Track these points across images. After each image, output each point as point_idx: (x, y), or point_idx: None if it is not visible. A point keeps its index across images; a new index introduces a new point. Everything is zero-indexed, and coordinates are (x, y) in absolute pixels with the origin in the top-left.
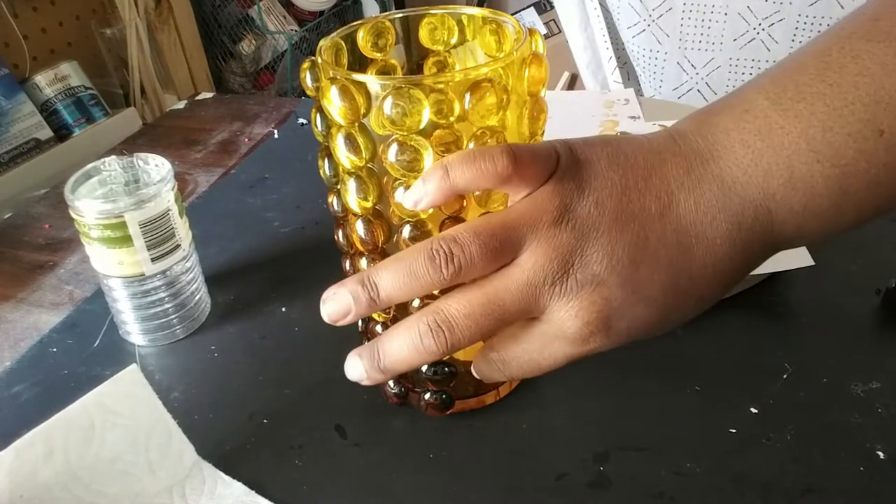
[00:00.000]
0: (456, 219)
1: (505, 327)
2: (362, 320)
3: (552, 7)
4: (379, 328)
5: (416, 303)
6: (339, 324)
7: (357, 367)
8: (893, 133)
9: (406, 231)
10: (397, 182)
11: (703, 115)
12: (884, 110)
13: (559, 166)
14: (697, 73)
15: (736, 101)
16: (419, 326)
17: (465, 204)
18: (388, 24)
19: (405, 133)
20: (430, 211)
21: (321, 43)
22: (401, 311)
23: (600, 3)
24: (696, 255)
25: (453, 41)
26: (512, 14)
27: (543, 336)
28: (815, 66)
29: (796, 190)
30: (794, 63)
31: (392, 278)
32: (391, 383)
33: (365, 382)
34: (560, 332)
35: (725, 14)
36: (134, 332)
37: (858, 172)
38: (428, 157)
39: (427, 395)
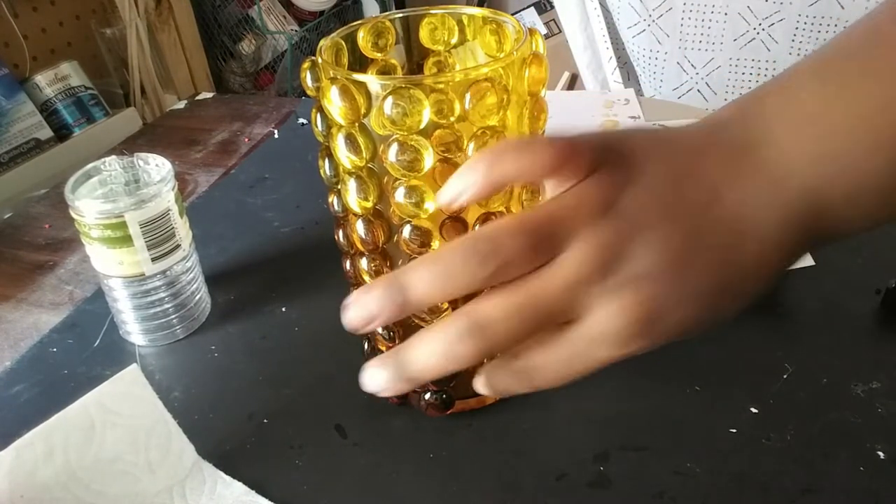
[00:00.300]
0: (456, 219)
1: (540, 331)
2: None
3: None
4: (379, 328)
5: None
6: (362, 331)
7: (378, 378)
8: None
9: (406, 231)
10: (397, 182)
11: (746, 102)
12: None
13: (604, 158)
14: (697, 73)
15: (782, 88)
16: (451, 331)
17: None
18: (388, 24)
19: (405, 133)
20: (431, 211)
21: (322, 43)
22: None
23: (600, 3)
24: (746, 249)
25: (453, 41)
26: (512, 14)
27: (581, 340)
28: (861, 53)
29: (847, 178)
30: (839, 50)
31: (424, 280)
32: None
33: (385, 393)
34: (601, 333)
35: (725, 14)
36: (134, 332)
37: None
38: (428, 157)
39: (427, 395)
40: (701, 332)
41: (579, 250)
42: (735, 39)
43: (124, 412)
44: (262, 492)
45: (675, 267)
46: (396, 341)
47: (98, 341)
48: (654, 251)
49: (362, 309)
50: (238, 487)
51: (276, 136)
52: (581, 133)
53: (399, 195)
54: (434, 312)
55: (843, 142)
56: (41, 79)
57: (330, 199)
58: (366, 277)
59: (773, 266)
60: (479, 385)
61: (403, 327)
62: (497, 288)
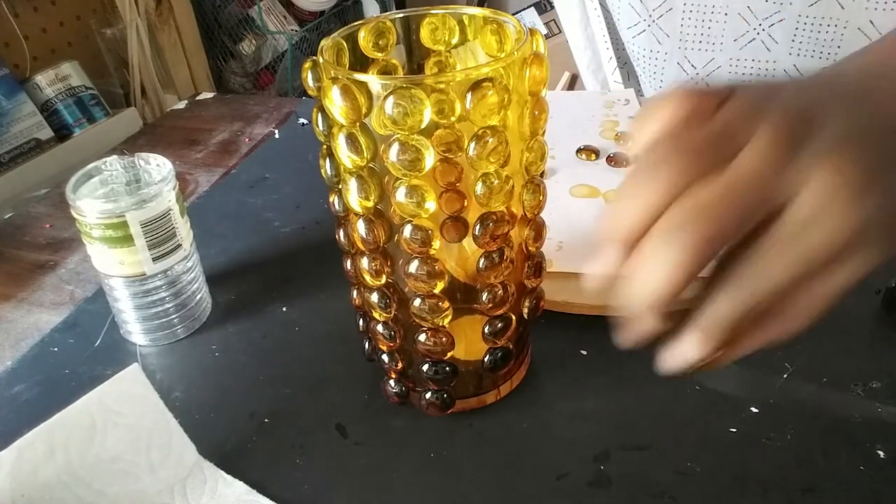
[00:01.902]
0: (457, 219)
1: (752, 223)
2: (363, 320)
3: (552, 7)
4: (379, 328)
5: (416, 302)
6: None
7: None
8: None
9: (407, 230)
10: (398, 182)
11: (868, 56)
12: None
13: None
14: (697, 73)
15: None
16: (669, 229)
17: (465, 203)
18: (389, 24)
19: (406, 133)
20: (432, 210)
21: (323, 43)
22: (401, 311)
23: (600, 4)
24: None
25: (454, 41)
26: (512, 14)
27: (802, 215)
28: None
29: None
30: None
31: (623, 208)
32: (392, 382)
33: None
34: (822, 199)
35: (725, 14)
36: (135, 331)
37: None
38: (429, 157)
39: (428, 395)
40: None
41: (762, 132)
42: (735, 39)
43: (125, 412)
44: (263, 491)
45: (873, 131)
46: (397, 341)
47: (99, 341)
48: (844, 116)
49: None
50: (239, 487)
51: (276, 136)
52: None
53: (400, 195)
54: (435, 312)
55: None
56: (41, 79)
57: (331, 199)
58: (366, 277)
59: None
60: (694, 335)
61: (404, 327)
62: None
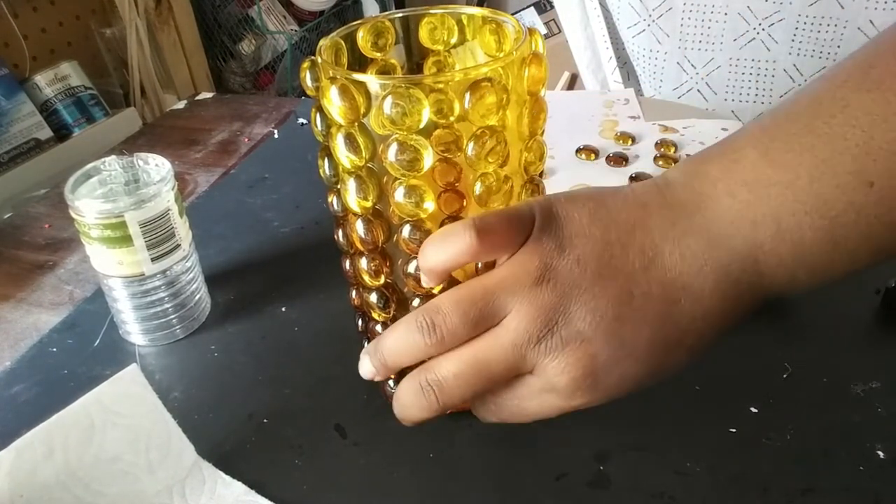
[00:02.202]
0: (456, 218)
1: (494, 385)
2: (362, 320)
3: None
4: (379, 328)
5: (415, 302)
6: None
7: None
8: (884, 185)
9: (406, 231)
10: (397, 182)
11: (693, 164)
12: (873, 161)
13: (536, 226)
14: (697, 73)
15: (726, 150)
16: (414, 385)
17: (464, 204)
18: (387, 23)
19: (405, 133)
20: (431, 210)
21: (321, 43)
22: (400, 311)
23: (600, 3)
24: (683, 307)
25: (453, 41)
26: (512, 14)
27: (533, 388)
28: (806, 114)
29: (784, 241)
30: (786, 111)
31: (392, 346)
32: (391, 383)
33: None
34: (549, 386)
35: (725, 14)
36: (134, 331)
37: (848, 224)
38: (427, 157)
39: None
40: (657, 382)
41: (518, 315)
42: (735, 39)
43: (124, 412)
44: (261, 492)
45: (610, 326)
46: None
47: (98, 341)
48: (588, 312)
49: (363, 369)
50: (238, 487)
51: (275, 136)
52: (517, 204)
53: (398, 195)
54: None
55: (776, 208)
56: (41, 79)
57: (329, 199)
58: (365, 277)
59: (715, 321)
60: (471, 408)
61: None
62: (457, 347)
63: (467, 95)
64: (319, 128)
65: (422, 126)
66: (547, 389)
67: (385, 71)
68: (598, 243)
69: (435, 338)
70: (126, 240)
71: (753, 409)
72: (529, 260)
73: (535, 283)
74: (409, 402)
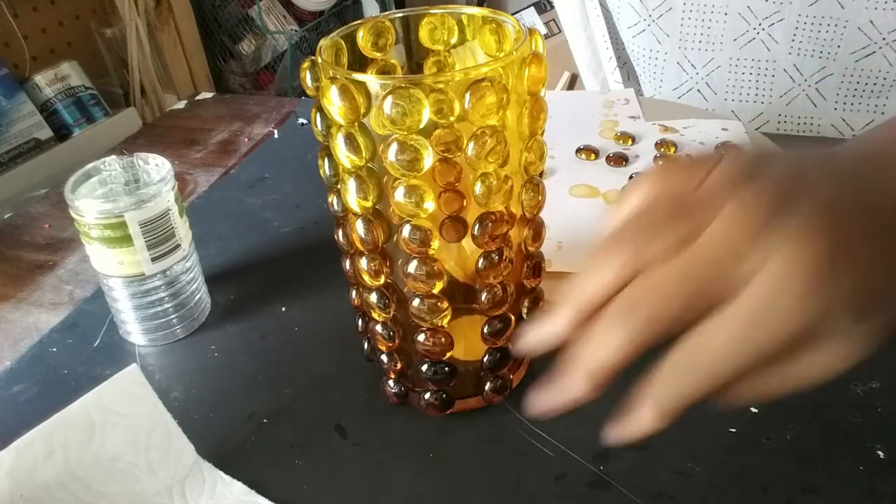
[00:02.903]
0: (456, 219)
1: (708, 295)
2: (362, 320)
3: (552, 7)
4: (379, 328)
5: (416, 302)
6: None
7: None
8: None
9: (406, 230)
10: (397, 182)
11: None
12: None
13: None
14: (697, 73)
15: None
16: (610, 317)
17: (464, 203)
18: (388, 23)
19: (405, 133)
20: (431, 210)
21: (321, 42)
22: (400, 311)
23: (600, 3)
24: None
25: (453, 41)
26: (512, 14)
27: (753, 299)
28: None
29: None
30: None
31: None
32: (391, 383)
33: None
34: (785, 275)
35: (725, 14)
36: (134, 331)
37: None
38: (428, 157)
39: (427, 395)
40: (881, 306)
41: (737, 204)
42: (735, 39)
43: (124, 412)
44: (262, 492)
45: (843, 214)
46: (396, 341)
47: (98, 341)
48: (818, 197)
49: (554, 323)
50: (238, 487)
51: (275, 135)
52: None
53: (399, 195)
54: (434, 312)
55: None
56: (41, 79)
57: (330, 199)
58: (365, 277)
59: None
60: (648, 411)
61: (403, 327)
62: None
63: (467, 95)
64: (319, 128)
65: (422, 126)
66: (770, 298)
67: (385, 71)
68: (815, 163)
69: (645, 242)
70: (126, 240)
71: (753, 410)
72: (737, 165)
73: (759, 169)
74: (603, 339)
